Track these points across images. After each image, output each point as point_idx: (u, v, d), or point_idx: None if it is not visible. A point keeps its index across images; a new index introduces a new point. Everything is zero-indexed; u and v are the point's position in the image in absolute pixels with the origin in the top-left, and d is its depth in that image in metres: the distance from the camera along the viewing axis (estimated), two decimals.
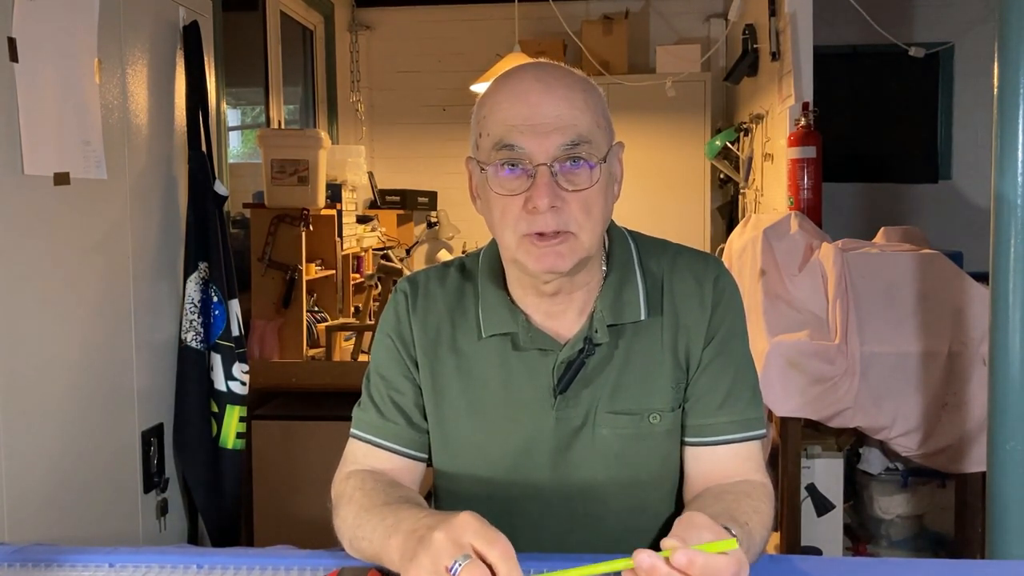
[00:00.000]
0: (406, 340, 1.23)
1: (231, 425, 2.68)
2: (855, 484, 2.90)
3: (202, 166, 2.68)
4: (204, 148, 2.70)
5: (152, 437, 2.50)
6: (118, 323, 2.35)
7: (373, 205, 5.11)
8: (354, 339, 3.88)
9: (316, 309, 3.79)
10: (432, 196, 5.34)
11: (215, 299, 2.65)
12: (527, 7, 4.59)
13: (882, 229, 3.11)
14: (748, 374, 1.21)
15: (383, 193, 5.19)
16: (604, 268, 1.21)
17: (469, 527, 0.87)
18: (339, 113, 5.18)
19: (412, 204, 5.24)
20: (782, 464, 2.55)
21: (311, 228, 3.48)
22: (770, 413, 2.53)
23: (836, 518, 2.71)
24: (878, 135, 5.46)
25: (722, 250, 3.36)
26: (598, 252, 1.18)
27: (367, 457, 1.21)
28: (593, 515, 1.19)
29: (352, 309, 4.08)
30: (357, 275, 4.24)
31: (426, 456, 1.24)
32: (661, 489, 1.21)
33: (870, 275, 2.59)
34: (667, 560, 0.81)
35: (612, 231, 1.23)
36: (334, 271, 3.87)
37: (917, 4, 5.24)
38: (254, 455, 3.05)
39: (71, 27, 2.13)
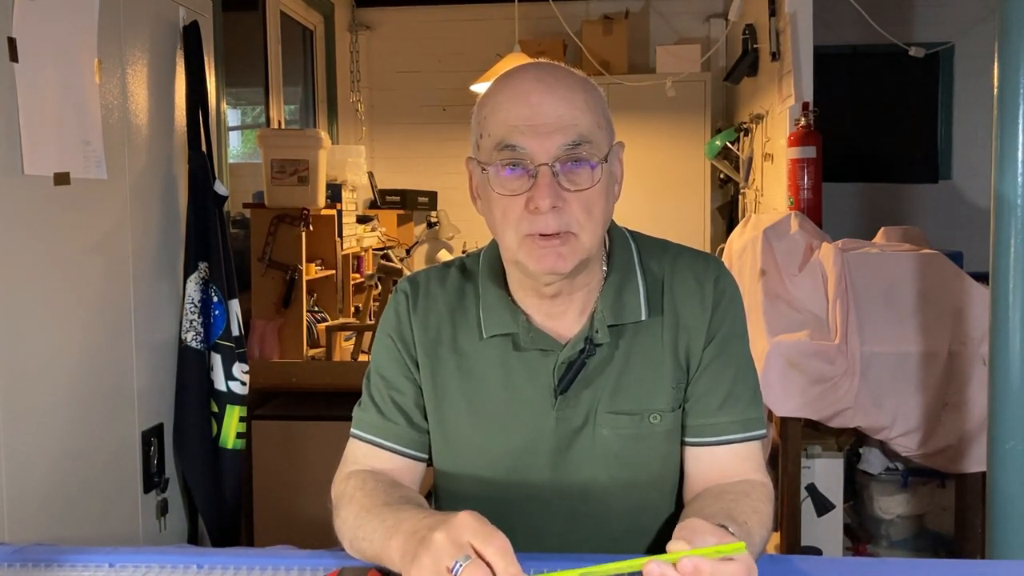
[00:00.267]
0: (406, 340, 1.23)
1: (231, 425, 2.68)
2: (855, 484, 2.90)
3: (202, 166, 2.68)
4: (204, 148, 2.70)
5: (152, 437, 2.50)
6: (118, 323, 2.35)
7: (373, 205, 5.11)
8: (354, 339, 3.88)
9: (316, 309, 3.79)
10: (432, 196, 5.34)
11: (215, 299, 2.65)
12: (527, 7, 4.59)
13: (882, 229, 3.12)
14: (748, 374, 1.21)
15: (383, 193, 5.19)
16: (604, 268, 1.21)
17: (468, 526, 0.87)
18: (339, 113, 5.18)
19: (412, 204, 5.24)
20: (782, 464, 2.55)
21: (311, 228, 3.48)
22: (770, 413, 2.53)
23: (836, 518, 2.71)
24: (878, 135, 5.47)
25: (722, 250, 3.36)
26: (599, 252, 1.18)
27: (367, 457, 1.21)
28: (593, 515, 1.19)
29: (352, 309, 4.08)
30: (357, 275, 4.24)
31: (426, 456, 1.24)
32: (661, 489, 1.21)
33: (870, 275, 2.59)
34: (674, 566, 0.82)
35: (612, 231, 1.23)
36: (334, 271, 3.87)
37: (917, 4, 5.24)
38: (254, 455, 3.05)
39: (71, 27, 2.13)
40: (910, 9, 5.22)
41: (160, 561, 1.09)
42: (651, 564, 0.82)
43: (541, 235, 1.08)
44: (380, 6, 5.55)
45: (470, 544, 0.85)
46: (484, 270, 1.23)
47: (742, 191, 4.56)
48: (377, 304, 4.01)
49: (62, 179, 2.07)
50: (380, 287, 3.97)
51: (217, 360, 2.65)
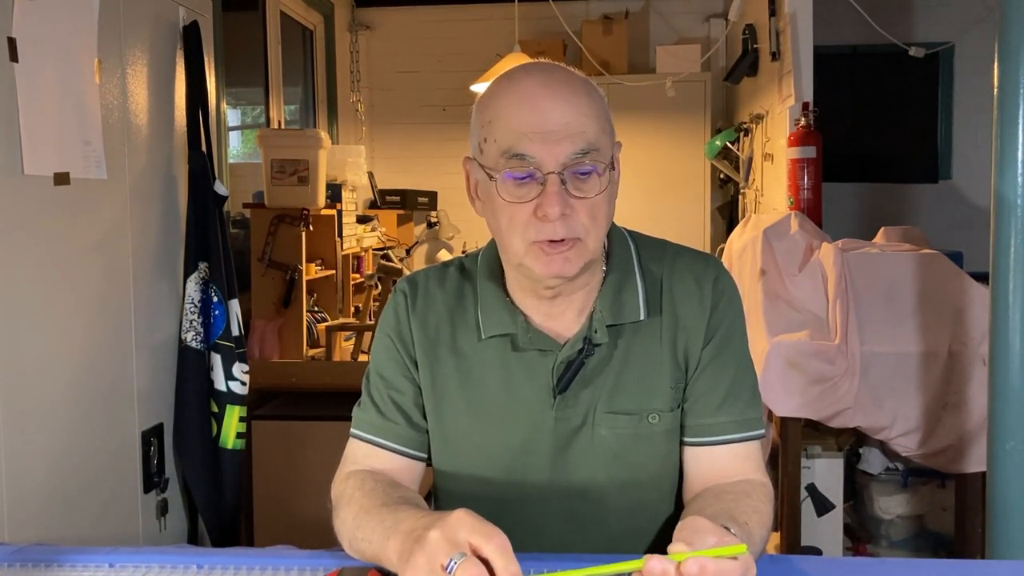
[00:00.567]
0: (406, 340, 1.23)
1: (231, 425, 2.68)
2: (855, 484, 2.90)
3: (202, 166, 2.68)
4: (204, 148, 2.70)
5: (152, 437, 2.50)
6: (118, 323, 2.35)
7: (373, 205, 5.11)
8: (354, 339, 3.88)
9: (316, 309, 3.79)
10: (432, 196, 5.34)
11: (215, 299, 2.65)
12: (527, 7, 4.59)
13: (882, 229, 3.11)
14: (747, 374, 1.21)
15: (383, 193, 5.19)
16: (604, 268, 1.21)
17: (464, 524, 0.87)
18: (339, 113, 5.18)
19: (412, 204, 5.24)
20: (782, 464, 2.55)
21: (311, 228, 3.48)
22: (770, 413, 2.53)
23: (836, 518, 2.71)
24: (878, 135, 5.47)
25: (722, 250, 3.36)
26: (600, 253, 1.18)
27: (367, 457, 1.21)
28: (592, 515, 1.20)
29: (352, 309, 4.08)
30: (357, 275, 4.24)
31: (426, 456, 1.24)
32: (660, 489, 1.21)
33: (870, 275, 2.59)
34: (677, 567, 0.82)
35: (611, 231, 1.23)
36: (334, 271, 3.87)
37: (917, 4, 5.24)
38: (254, 455, 3.05)
39: (71, 27, 2.13)
40: (910, 9, 5.22)
41: (160, 561, 1.09)
42: (651, 561, 0.82)
43: (549, 242, 1.08)
44: (380, 6, 5.55)
45: (468, 542, 0.85)
46: (483, 271, 1.23)
47: (742, 191, 4.56)
48: (377, 304, 4.01)
49: (62, 179, 2.07)
50: (380, 287, 3.97)
51: (217, 360, 2.65)
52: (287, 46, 4.52)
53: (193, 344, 2.62)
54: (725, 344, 1.19)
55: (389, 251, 4.60)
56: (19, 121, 1.92)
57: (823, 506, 2.69)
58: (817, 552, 2.66)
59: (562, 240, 1.08)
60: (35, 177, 1.98)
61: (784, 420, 2.51)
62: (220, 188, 2.71)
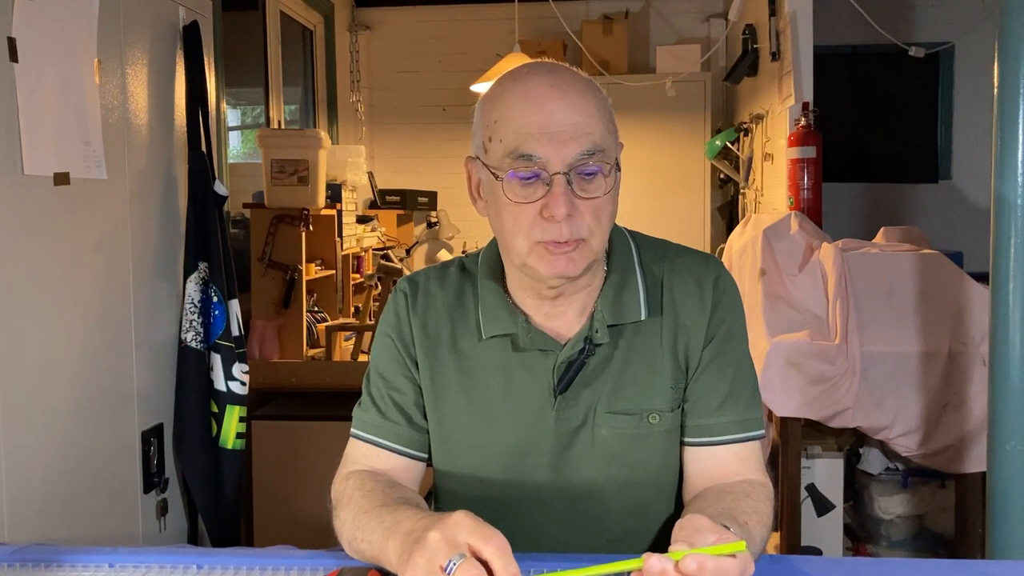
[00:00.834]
0: (406, 340, 1.23)
1: (231, 425, 2.68)
2: (855, 484, 2.90)
3: (202, 166, 2.68)
4: (204, 148, 2.70)
5: (152, 437, 2.50)
6: (118, 323, 2.35)
7: (373, 205, 5.11)
8: (354, 339, 3.88)
9: (316, 309, 3.79)
10: (432, 196, 5.34)
11: (215, 299, 2.65)
12: (527, 7, 4.58)
13: (882, 229, 3.11)
14: (748, 374, 1.21)
15: (383, 193, 5.19)
16: (605, 268, 1.21)
17: (464, 525, 0.87)
18: (339, 113, 5.18)
19: (412, 204, 5.24)
20: (782, 464, 2.55)
21: (311, 228, 3.47)
22: (770, 413, 2.53)
23: (836, 518, 2.71)
24: (878, 135, 5.46)
25: (722, 250, 3.36)
26: (602, 254, 1.18)
27: (367, 457, 1.21)
28: (592, 515, 1.20)
29: (352, 309, 4.08)
30: (357, 275, 4.24)
31: (426, 456, 1.24)
32: (660, 489, 1.21)
33: (870, 275, 2.59)
34: (676, 564, 0.82)
35: (612, 231, 1.22)
36: (334, 271, 3.86)
37: (917, 4, 5.24)
38: (254, 455, 3.05)
39: (71, 27, 2.13)
40: (910, 9, 5.22)
41: (160, 561, 1.09)
42: (651, 560, 0.82)
43: (555, 243, 1.08)
44: (380, 6, 5.54)
45: (467, 543, 0.85)
46: (483, 270, 1.23)
47: (742, 191, 4.56)
48: (377, 304, 4.01)
49: (62, 179, 2.07)
50: (380, 287, 3.97)
51: (217, 360, 2.65)
52: (287, 46, 4.52)
53: (193, 344, 2.62)
54: (726, 344, 1.19)
55: (389, 251, 4.60)
56: (19, 121, 1.92)
57: (823, 506, 2.69)
58: (817, 552, 2.66)
59: (567, 241, 1.08)
60: (35, 177, 1.98)
61: (784, 420, 2.51)
62: (220, 188, 2.71)
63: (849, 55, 5.24)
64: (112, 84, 2.31)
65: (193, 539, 2.73)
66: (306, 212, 3.42)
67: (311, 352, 3.55)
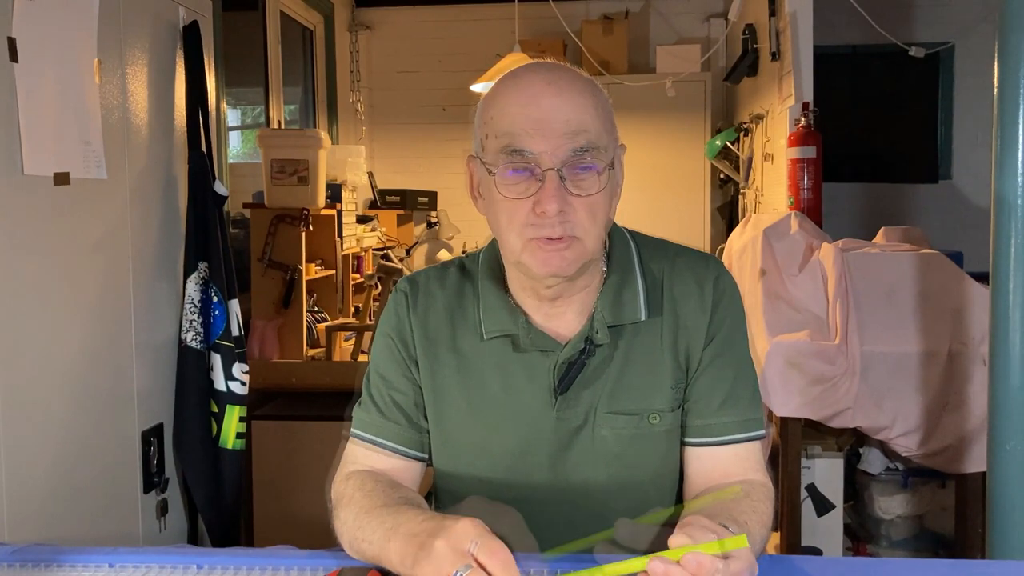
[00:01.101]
0: (406, 340, 1.23)
1: (231, 425, 2.68)
2: (855, 484, 2.90)
3: (202, 166, 2.68)
4: (204, 148, 2.70)
5: (152, 437, 2.50)
6: (118, 323, 2.35)
7: (373, 205, 5.11)
8: (354, 339, 3.88)
9: (316, 309, 3.79)
10: (432, 196, 5.34)
11: (215, 299, 2.65)
12: (527, 7, 4.58)
13: (882, 229, 3.11)
14: (748, 374, 1.21)
15: (383, 193, 5.19)
16: (604, 269, 1.21)
17: (470, 535, 0.87)
18: (339, 113, 5.18)
19: (412, 204, 5.24)
20: (782, 464, 2.55)
21: (311, 228, 3.48)
22: (770, 413, 2.53)
23: (836, 518, 2.71)
24: (878, 135, 5.46)
25: (722, 250, 3.36)
26: (599, 254, 1.18)
27: (367, 457, 1.21)
28: (593, 515, 1.19)
29: (352, 309, 4.08)
30: (357, 275, 4.24)
31: (426, 456, 1.24)
32: (661, 489, 1.21)
33: (870, 275, 2.59)
34: (678, 563, 0.82)
35: (612, 231, 1.23)
36: (334, 271, 3.86)
37: (917, 4, 5.24)
38: (254, 455, 3.05)
39: (71, 27, 2.13)
40: (910, 9, 5.22)
41: (160, 561, 1.09)
42: (654, 562, 0.82)
43: (547, 239, 1.08)
44: (380, 6, 5.54)
45: (471, 553, 0.85)
46: (483, 270, 1.23)
47: (742, 191, 4.56)
48: (377, 304, 4.01)
49: (62, 179, 2.07)
50: (380, 287, 3.97)
51: (217, 360, 2.65)
52: (287, 46, 4.52)
53: (193, 344, 2.62)
54: (726, 344, 1.19)
55: (389, 251, 4.60)
56: (19, 121, 1.92)
57: (823, 506, 2.69)
58: (817, 552, 2.66)
59: (560, 237, 1.08)
60: (35, 177, 1.98)
61: (784, 420, 2.51)
62: (220, 188, 2.71)
63: (849, 55, 5.24)
64: (112, 84, 2.31)
65: (193, 539, 2.72)
66: (306, 212, 3.42)
67: (311, 352, 3.55)
